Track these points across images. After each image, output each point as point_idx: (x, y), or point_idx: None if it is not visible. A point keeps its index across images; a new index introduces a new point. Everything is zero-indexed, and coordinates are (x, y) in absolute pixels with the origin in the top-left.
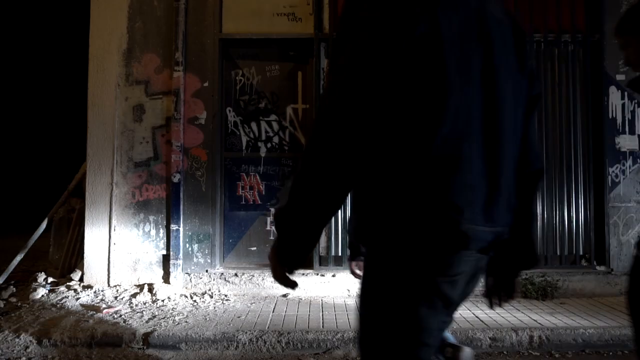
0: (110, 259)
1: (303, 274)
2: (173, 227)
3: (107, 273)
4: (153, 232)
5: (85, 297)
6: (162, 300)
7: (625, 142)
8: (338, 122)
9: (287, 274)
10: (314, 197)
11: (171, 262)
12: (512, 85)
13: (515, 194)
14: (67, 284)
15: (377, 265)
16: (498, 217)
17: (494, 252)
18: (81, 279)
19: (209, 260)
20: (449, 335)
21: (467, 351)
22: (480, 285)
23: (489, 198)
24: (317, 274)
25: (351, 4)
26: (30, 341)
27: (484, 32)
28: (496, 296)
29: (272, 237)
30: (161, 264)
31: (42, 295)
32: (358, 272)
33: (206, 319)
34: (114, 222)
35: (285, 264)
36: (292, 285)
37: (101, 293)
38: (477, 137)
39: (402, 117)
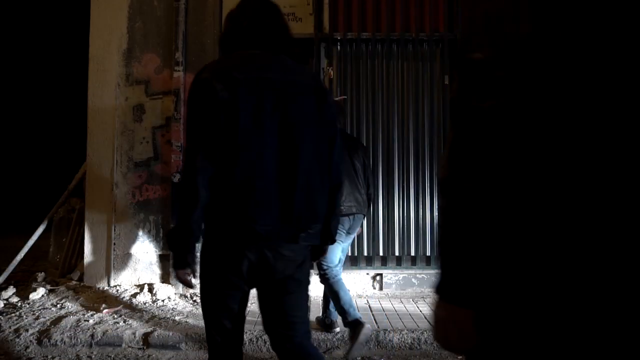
0: (110, 259)
1: None
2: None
3: (107, 273)
4: (153, 232)
5: (86, 297)
6: (162, 300)
7: None
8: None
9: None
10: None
11: (171, 262)
12: (312, 132)
13: (319, 202)
14: (67, 284)
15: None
16: (296, 220)
17: (303, 239)
18: (81, 279)
19: None
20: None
21: (367, 327)
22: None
23: (284, 209)
24: (317, 274)
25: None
26: (30, 341)
27: (281, 100)
28: (315, 258)
29: None
30: (161, 264)
31: (42, 295)
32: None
33: None
34: (114, 222)
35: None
36: (189, 284)
37: (101, 293)
38: (272, 173)
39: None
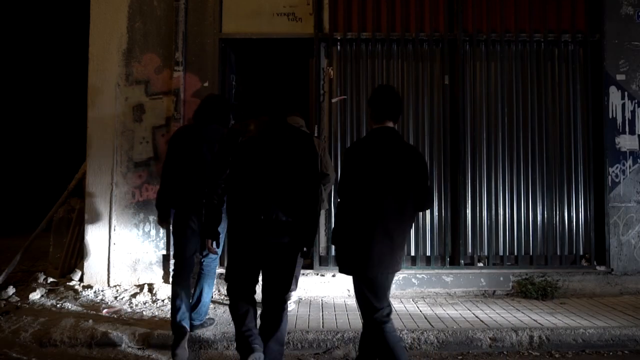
0: (110, 259)
1: (303, 274)
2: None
3: (107, 273)
4: (153, 232)
5: (85, 297)
6: (162, 300)
7: (625, 142)
8: None
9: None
10: None
11: (171, 262)
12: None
13: None
14: (67, 284)
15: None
16: None
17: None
18: (81, 279)
19: None
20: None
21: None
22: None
23: None
24: (317, 274)
25: None
26: (30, 341)
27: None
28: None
29: None
30: (161, 264)
31: (42, 295)
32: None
33: None
34: (114, 222)
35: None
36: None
37: (101, 293)
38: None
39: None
